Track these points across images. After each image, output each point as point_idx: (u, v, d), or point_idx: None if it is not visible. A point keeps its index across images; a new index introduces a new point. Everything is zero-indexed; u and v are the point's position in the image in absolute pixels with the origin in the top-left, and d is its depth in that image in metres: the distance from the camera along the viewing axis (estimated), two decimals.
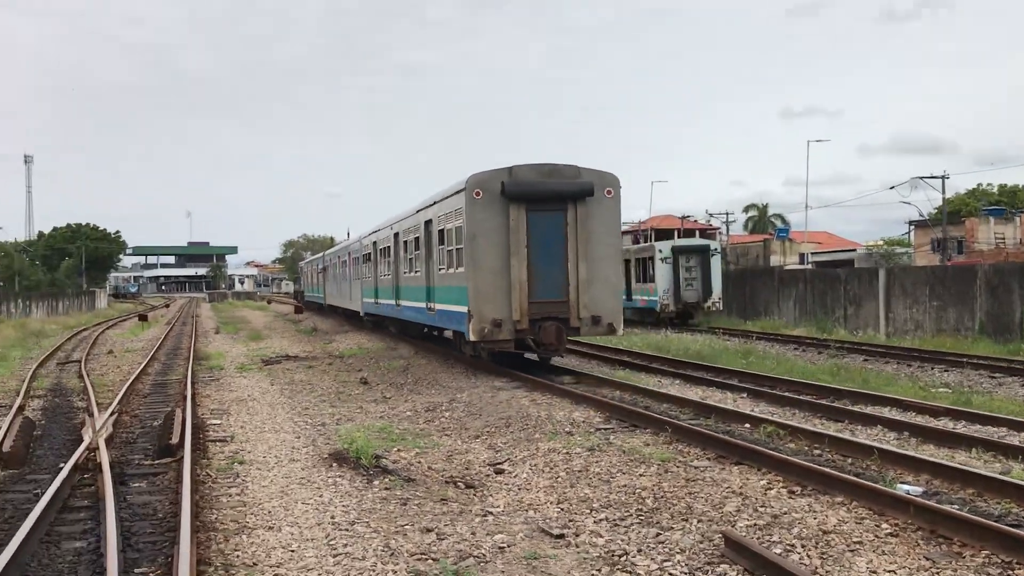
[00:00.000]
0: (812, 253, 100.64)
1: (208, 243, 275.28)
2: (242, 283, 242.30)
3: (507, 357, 31.46)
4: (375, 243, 45.57)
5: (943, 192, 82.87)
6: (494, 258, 27.56)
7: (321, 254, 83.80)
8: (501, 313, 27.50)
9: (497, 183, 27.53)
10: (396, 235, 39.10)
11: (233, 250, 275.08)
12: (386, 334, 46.84)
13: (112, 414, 22.98)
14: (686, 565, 11.70)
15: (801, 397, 24.11)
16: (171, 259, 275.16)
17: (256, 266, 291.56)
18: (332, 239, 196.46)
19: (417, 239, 34.17)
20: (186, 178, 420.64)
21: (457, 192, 29.15)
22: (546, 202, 27.56)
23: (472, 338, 27.69)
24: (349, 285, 58.17)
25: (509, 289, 27.49)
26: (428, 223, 32.54)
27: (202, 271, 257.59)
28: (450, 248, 30.16)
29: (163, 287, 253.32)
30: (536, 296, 27.61)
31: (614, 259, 28.02)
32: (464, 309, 28.38)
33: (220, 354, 41.80)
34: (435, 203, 31.93)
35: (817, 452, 17.67)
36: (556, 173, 27.76)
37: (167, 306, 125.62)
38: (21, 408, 24.88)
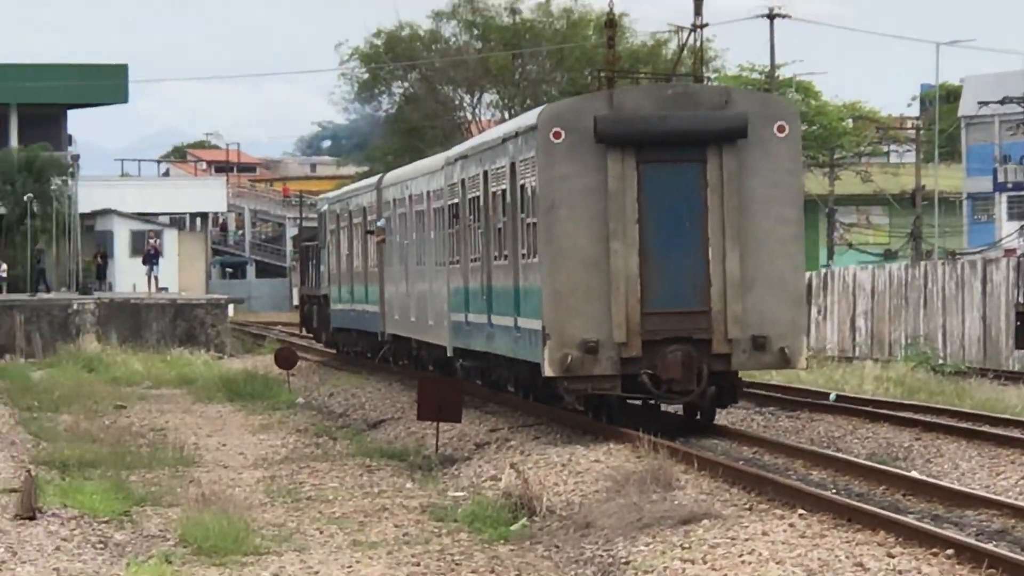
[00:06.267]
0: None
1: None
2: (153, 251, 59.41)
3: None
4: (464, 179, 24.38)
5: None
6: (585, 241, 18.72)
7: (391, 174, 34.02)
8: (597, 331, 18.40)
9: (589, 118, 18.46)
10: (485, 174, 22.76)
11: (115, 91, 65.71)
12: None
13: None
14: None
15: None
16: None
17: (240, 170, 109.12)
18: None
19: (504, 192, 21.86)
20: None
21: (528, 130, 19.53)
22: (671, 147, 18.67)
23: (548, 371, 18.64)
24: (429, 278, 27.73)
25: (609, 292, 18.46)
26: (513, 168, 21.07)
27: None
28: (531, 220, 19.96)
29: None
30: (654, 304, 18.67)
31: (791, 241, 18.92)
32: (539, 325, 18.95)
33: None
34: (518, 135, 20.68)
35: None
36: (688, 99, 19.01)
37: None
38: None
